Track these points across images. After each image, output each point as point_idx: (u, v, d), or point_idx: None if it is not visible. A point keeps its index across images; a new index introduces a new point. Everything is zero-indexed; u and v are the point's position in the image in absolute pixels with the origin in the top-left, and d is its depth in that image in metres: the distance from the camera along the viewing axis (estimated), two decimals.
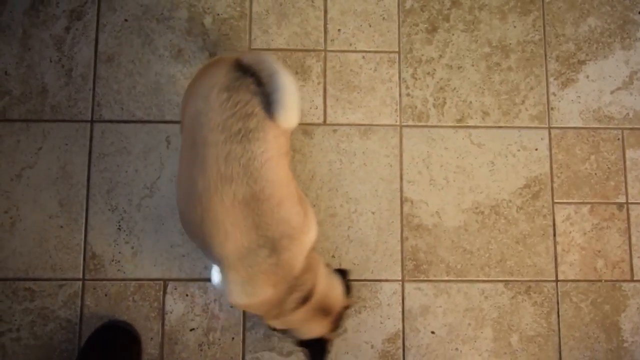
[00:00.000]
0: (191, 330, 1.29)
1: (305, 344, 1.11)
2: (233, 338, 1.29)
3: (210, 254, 0.96)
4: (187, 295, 1.29)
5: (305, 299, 1.00)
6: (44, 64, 1.35)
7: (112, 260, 1.30)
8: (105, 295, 1.29)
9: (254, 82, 0.91)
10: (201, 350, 1.28)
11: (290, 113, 0.91)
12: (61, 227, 1.30)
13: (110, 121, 1.34)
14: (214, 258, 0.97)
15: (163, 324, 1.28)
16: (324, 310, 1.05)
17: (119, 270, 1.29)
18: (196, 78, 1.02)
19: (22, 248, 1.29)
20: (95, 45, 1.37)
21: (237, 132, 0.89)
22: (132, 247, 1.30)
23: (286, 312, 1.01)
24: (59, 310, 1.28)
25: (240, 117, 0.90)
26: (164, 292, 1.29)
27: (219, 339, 1.29)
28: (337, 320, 1.09)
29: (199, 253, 1.31)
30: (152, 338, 1.28)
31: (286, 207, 0.94)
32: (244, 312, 1.29)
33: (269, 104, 0.91)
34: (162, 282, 1.30)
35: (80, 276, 1.29)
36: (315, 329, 1.07)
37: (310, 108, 1.37)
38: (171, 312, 1.29)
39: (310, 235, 0.99)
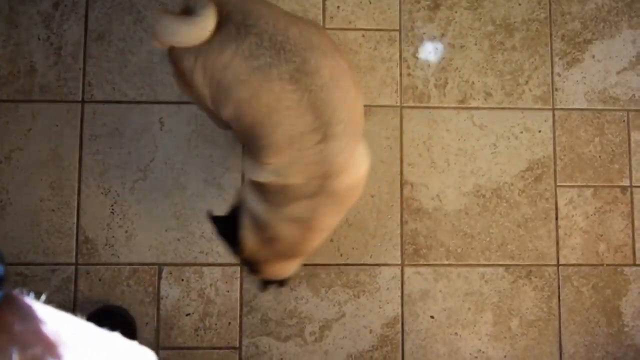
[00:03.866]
0: (187, 315, 1.27)
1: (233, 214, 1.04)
2: (230, 323, 1.27)
3: (255, 143, 0.91)
4: (182, 280, 1.27)
5: (314, 195, 0.94)
6: (32, 42, 1.31)
7: (106, 245, 1.27)
8: (99, 280, 1.26)
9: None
10: (197, 335, 1.26)
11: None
12: (53, 210, 1.27)
13: (102, 102, 1.30)
14: (259, 147, 0.91)
15: (158, 309, 1.26)
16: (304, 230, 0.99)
17: (112, 254, 1.27)
18: (178, 70, 0.95)
19: (13, 232, 1.26)
20: (85, 23, 1.32)
21: (237, 31, 0.84)
22: (126, 231, 1.27)
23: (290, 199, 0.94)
24: (52, 295, 1.25)
25: (225, 24, 0.85)
26: (159, 277, 1.27)
27: (216, 324, 1.27)
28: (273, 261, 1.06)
29: (194, 237, 1.28)
30: (147, 323, 1.26)
31: (343, 83, 0.88)
32: (241, 297, 1.28)
33: None
34: (157, 266, 1.27)
35: (73, 261, 1.26)
36: (255, 239, 1.01)
37: None
38: (166, 297, 1.27)
39: (361, 149, 0.95)
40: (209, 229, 1.28)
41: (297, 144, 0.87)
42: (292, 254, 1.04)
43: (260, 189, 0.95)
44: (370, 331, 1.29)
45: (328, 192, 0.92)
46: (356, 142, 0.93)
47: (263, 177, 0.93)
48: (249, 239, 1.00)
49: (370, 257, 1.30)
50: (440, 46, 1.34)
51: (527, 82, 1.36)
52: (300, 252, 1.04)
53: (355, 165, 0.95)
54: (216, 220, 1.05)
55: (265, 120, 0.87)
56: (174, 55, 0.92)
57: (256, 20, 0.85)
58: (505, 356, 1.30)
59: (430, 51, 1.35)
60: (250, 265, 1.05)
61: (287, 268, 1.09)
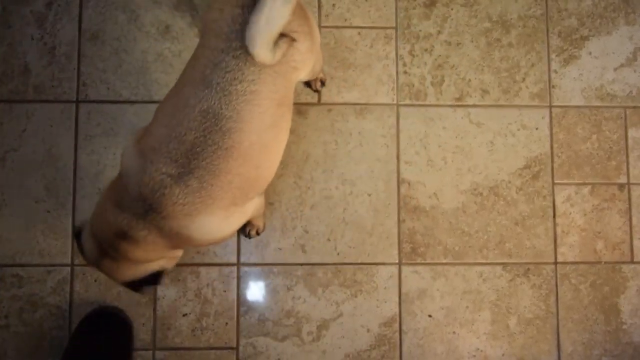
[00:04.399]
0: (184, 315, 1.26)
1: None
2: (227, 323, 1.27)
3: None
4: (179, 280, 1.27)
5: None
6: (25, 43, 1.30)
7: None
8: (95, 280, 1.26)
9: None
10: (194, 335, 1.26)
11: (255, 39, 0.81)
12: (48, 211, 1.26)
13: (96, 101, 1.29)
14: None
15: (155, 310, 1.26)
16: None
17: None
18: None
19: (9, 234, 1.25)
20: (79, 22, 1.31)
21: (238, 48, 0.83)
22: None
23: None
24: (48, 296, 1.25)
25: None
26: None
27: (213, 324, 1.26)
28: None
29: None
30: (144, 324, 1.25)
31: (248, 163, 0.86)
32: (238, 297, 1.27)
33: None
34: None
35: (69, 262, 1.26)
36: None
37: (304, 86, 1.32)
38: (163, 298, 1.26)
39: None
40: None
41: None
42: None
43: None
44: (368, 330, 1.28)
45: None
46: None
47: None
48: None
49: (368, 256, 1.30)
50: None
51: (523, 79, 1.35)
52: None
53: None
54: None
55: None
56: None
57: None
58: (503, 354, 1.29)
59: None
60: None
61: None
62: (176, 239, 0.88)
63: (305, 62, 0.94)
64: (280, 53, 0.86)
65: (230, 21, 0.84)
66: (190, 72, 0.87)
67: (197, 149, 0.83)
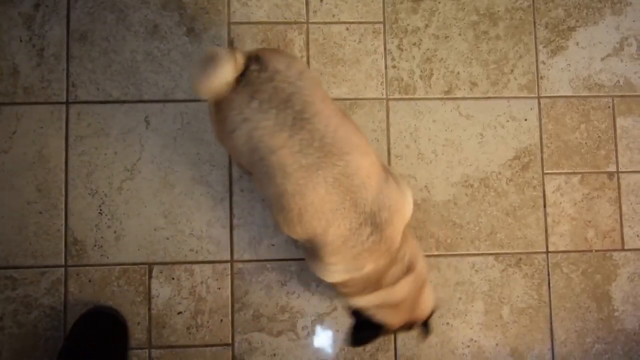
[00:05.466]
0: (179, 313, 1.27)
1: (359, 319, 1.06)
2: (222, 320, 1.27)
3: (313, 245, 0.96)
4: (173, 278, 1.27)
5: (408, 270, 1.00)
6: (13, 44, 1.30)
7: (95, 246, 1.26)
8: (89, 281, 1.26)
9: (258, 68, 0.89)
10: (190, 333, 1.26)
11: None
12: (40, 213, 1.26)
13: (86, 102, 1.29)
14: (317, 248, 0.96)
15: (150, 309, 1.26)
16: (417, 290, 1.04)
17: (102, 255, 1.26)
18: (218, 119, 0.96)
19: (1, 236, 1.25)
20: (67, 23, 1.31)
21: (293, 122, 0.87)
22: (115, 232, 1.27)
23: (386, 285, 0.99)
24: (42, 297, 1.25)
25: (283, 108, 0.87)
26: (149, 276, 1.27)
27: (208, 322, 1.27)
28: (414, 322, 1.07)
29: (183, 235, 1.28)
30: (139, 323, 1.26)
31: (376, 177, 0.92)
32: (232, 294, 1.28)
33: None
34: (147, 266, 1.27)
35: (63, 262, 1.26)
36: (392, 317, 1.04)
37: None
38: (157, 296, 1.26)
39: (407, 206, 0.98)
40: (198, 226, 1.28)
41: (351, 241, 0.92)
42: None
43: (352, 285, 1.00)
44: None
45: (400, 258, 0.99)
46: (404, 218, 0.97)
47: (338, 277, 0.97)
48: (388, 317, 1.04)
49: None
50: None
51: (512, 70, 1.36)
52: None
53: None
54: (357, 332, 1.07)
55: (314, 222, 0.91)
56: (220, 104, 0.92)
57: (312, 116, 0.89)
58: (497, 344, 1.30)
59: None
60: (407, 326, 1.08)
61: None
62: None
63: None
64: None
65: (263, 115, 0.89)
66: (289, 183, 0.91)
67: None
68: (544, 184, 1.34)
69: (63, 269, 1.26)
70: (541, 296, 1.32)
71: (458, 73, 1.35)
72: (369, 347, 1.28)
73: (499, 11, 1.37)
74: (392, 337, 1.29)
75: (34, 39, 1.30)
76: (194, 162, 1.29)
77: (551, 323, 1.32)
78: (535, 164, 1.35)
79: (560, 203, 1.34)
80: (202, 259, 1.28)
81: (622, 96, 1.37)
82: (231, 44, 1.31)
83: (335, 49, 1.34)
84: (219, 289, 1.28)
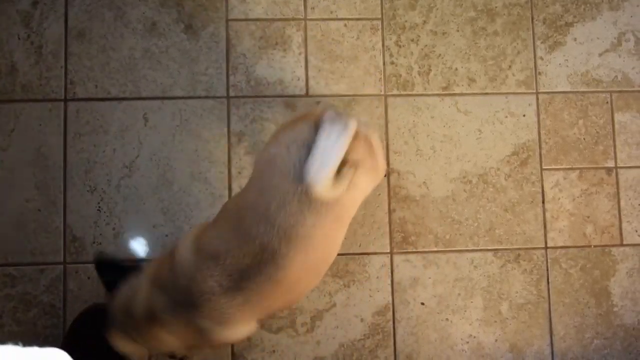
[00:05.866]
0: None
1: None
2: None
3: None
4: None
5: None
6: (12, 42, 1.30)
7: (94, 243, 1.26)
8: (88, 278, 1.26)
9: None
10: None
11: (317, 175, 0.86)
12: (39, 210, 1.26)
13: (85, 99, 1.29)
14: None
15: None
16: None
17: (101, 252, 1.26)
18: (283, 128, 0.98)
19: (0, 233, 1.25)
20: (65, 21, 1.31)
21: (303, 192, 0.87)
22: (114, 229, 1.27)
23: None
24: (42, 295, 1.25)
25: None
26: None
27: None
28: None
29: (182, 232, 1.28)
30: None
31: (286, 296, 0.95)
32: None
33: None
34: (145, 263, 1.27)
35: (62, 260, 1.26)
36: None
37: (292, 79, 1.32)
38: None
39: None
40: (196, 223, 1.28)
41: None
42: None
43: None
44: (362, 320, 1.29)
45: None
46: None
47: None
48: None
49: (359, 246, 1.30)
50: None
51: (510, 66, 1.36)
52: None
53: None
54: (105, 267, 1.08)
55: None
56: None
57: None
58: (496, 340, 1.31)
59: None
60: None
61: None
62: (198, 336, 0.94)
63: (365, 191, 0.99)
64: (346, 182, 0.90)
65: (297, 162, 0.88)
66: (254, 199, 0.92)
67: (251, 273, 0.89)
68: (542, 180, 1.34)
69: (62, 266, 1.26)
70: (540, 292, 1.32)
71: (456, 69, 1.35)
72: (368, 344, 1.28)
73: (496, 7, 1.37)
74: (392, 334, 1.29)
75: (32, 36, 1.30)
76: (192, 159, 1.29)
77: (550, 318, 1.32)
78: (533, 160, 1.35)
79: (559, 199, 1.34)
80: None
81: (620, 91, 1.37)
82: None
83: (333, 45, 1.34)
84: None
